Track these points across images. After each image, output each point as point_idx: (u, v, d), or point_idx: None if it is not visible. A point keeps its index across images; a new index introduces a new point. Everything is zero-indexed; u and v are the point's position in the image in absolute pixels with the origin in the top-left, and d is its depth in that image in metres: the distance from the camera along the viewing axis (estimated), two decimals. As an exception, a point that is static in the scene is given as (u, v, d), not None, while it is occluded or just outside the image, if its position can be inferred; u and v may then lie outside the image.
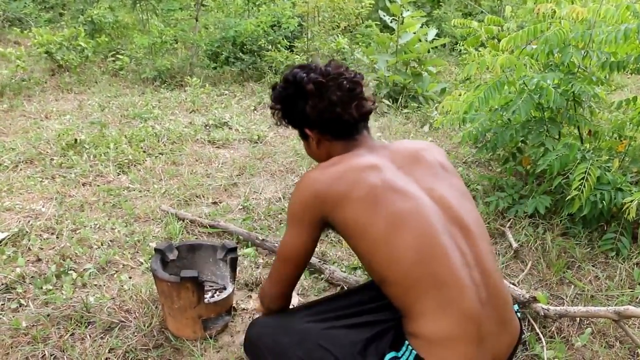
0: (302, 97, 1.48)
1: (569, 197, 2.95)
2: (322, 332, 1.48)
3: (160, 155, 4.26)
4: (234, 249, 2.30)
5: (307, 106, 1.47)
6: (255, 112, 5.72)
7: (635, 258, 2.84)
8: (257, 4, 7.93)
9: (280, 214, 3.34)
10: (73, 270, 2.63)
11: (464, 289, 1.30)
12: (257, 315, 2.22)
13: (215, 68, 7.21)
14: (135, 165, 4.04)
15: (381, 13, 6.95)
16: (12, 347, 2.10)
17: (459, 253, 1.33)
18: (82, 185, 3.67)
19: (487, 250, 1.40)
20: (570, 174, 3.01)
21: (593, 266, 2.83)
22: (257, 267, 2.74)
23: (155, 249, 2.27)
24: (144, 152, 4.30)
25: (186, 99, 5.98)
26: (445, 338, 1.28)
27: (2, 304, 2.37)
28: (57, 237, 2.95)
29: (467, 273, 1.32)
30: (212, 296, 2.33)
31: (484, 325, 1.30)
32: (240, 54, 7.13)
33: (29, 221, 3.09)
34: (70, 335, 2.19)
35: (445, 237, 1.33)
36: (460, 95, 3.73)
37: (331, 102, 1.45)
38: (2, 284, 2.47)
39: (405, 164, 1.45)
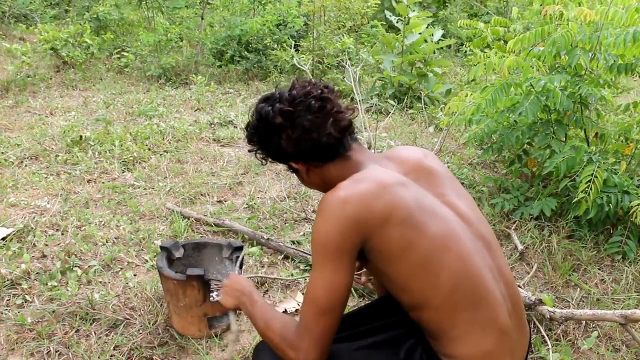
0: (274, 132, 1.34)
1: (575, 199, 2.94)
2: (354, 352, 1.39)
3: (165, 153, 4.27)
4: (239, 248, 2.30)
5: (282, 140, 1.34)
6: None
7: (642, 262, 2.84)
8: (262, 2, 7.93)
9: (286, 213, 3.34)
10: (78, 267, 2.64)
11: (497, 305, 1.28)
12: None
13: (220, 66, 7.22)
14: (140, 163, 4.04)
15: (387, 13, 6.95)
16: (17, 343, 2.11)
17: (488, 269, 1.31)
18: (87, 182, 3.67)
19: (505, 260, 1.39)
20: (577, 176, 3.00)
21: (599, 269, 2.82)
22: (263, 266, 2.74)
23: (161, 247, 2.27)
24: (149, 149, 4.30)
25: (191, 97, 5.99)
26: (485, 356, 1.26)
27: (7, 300, 2.37)
28: (62, 234, 2.95)
29: (497, 288, 1.30)
30: (218, 294, 2.32)
31: (512, 336, 1.31)
32: (246, 52, 7.13)
33: (34, 217, 3.09)
34: (75, 331, 2.19)
35: (477, 256, 1.30)
36: (466, 96, 3.72)
37: (304, 129, 1.32)
38: (8, 280, 2.48)
39: (419, 176, 1.37)
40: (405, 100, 6.00)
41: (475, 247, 1.31)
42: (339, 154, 1.37)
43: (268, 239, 2.90)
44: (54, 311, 2.28)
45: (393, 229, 1.23)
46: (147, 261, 2.75)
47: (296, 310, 2.41)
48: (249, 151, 1.46)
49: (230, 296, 1.56)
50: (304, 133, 1.32)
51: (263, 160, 1.46)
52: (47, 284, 2.48)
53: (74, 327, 2.20)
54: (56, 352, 2.07)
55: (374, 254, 1.26)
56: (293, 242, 2.97)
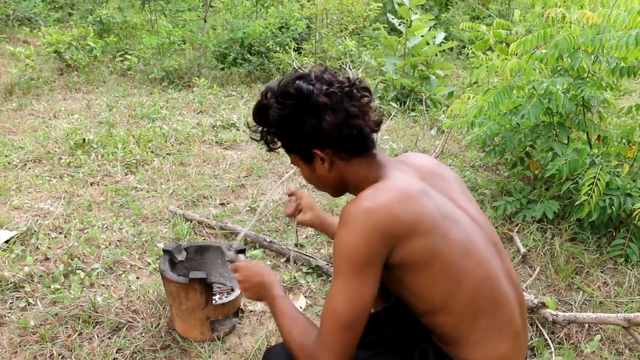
0: (312, 113, 1.25)
1: (577, 202, 2.94)
2: (371, 358, 1.37)
3: (168, 156, 4.27)
4: (242, 251, 2.29)
5: (323, 122, 1.24)
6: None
7: (645, 264, 2.83)
8: (265, 5, 7.96)
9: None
10: (81, 269, 2.64)
11: (512, 308, 1.30)
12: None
13: (222, 69, 7.23)
14: (143, 166, 4.05)
15: (389, 16, 6.95)
16: (20, 346, 2.11)
17: (501, 273, 1.32)
18: (90, 184, 3.68)
19: (511, 263, 1.39)
20: (579, 179, 3.00)
21: (602, 272, 2.82)
22: (265, 269, 2.74)
23: (164, 250, 2.28)
24: (152, 152, 4.31)
25: (194, 99, 6.00)
26: (502, 358, 1.27)
27: (10, 303, 2.37)
28: (65, 237, 2.95)
29: (509, 291, 1.31)
30: (220, 298, 2.33)
31: (523, 337, 1.33)
32: (248, 55, 7.14)
33: (37, 220, 3.10)
34: (78, 334, 2.19)
35: (493, 260, 1.30)
36: (468, 98, 3.72)
37: (349, 114, 1.25)
38: (11, 283, 2.48)
39: (434, 181, 1.34)
40: (408, 102, 6.00)
41: (489, 251, 1.31)
42: (368, 149, 1.31)
43: (270, 241, 2.90)
44: (56, 314, 2.28)
45: (419, 239, 1.20)
46: (149, 264, 2.75)
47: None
48: (262, 133, 1.33)
49: (250, 291, 1.46)
50: (348, 118, 1.25)
51: (271, 145, 1.35)
52: (50, 287, 2.48)
53: (76, 330, 2.21)
54: (59, 355, 2.07)
55: (397, 263, 1.23)
56: (296, 245, 2.97)
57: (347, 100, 1.26)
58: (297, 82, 1.27)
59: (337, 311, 1.19)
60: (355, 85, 1.28)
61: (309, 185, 1.43)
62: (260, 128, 1.34)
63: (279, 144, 1.36)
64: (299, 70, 1.37)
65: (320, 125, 1.25)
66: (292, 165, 1.41)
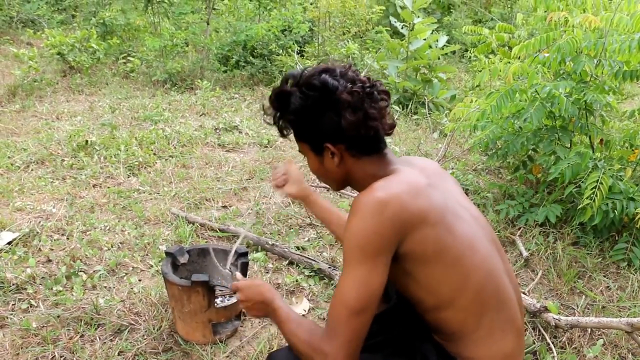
0: (333, 108, 1.27)
1: (580, 206, 2.93)
2: None
3: (171, 158, 4.28)
4: (244, 254, 2.30)
5: (342, 119, 1.26)
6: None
7: (647, 269, 2.82)
8: (268, 8, 7.97)
9: (290, 219, 3.34)
10: (83, 271, 2.64)
11: (515, 306, 1.32)
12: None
13: (225, 71, 7.24)
14: (145, 168, 4.06)
15: (392, 19, 6.96)
16: (22, 348, 2.11)
17: (503, 271, 1.34)
18: (93, 186, 3.68)
19: (510, 265, 1.41)
20: (582, 182, 3.00)
21: (604, 276, 2.81)
22: (267, 272, 2.74)
23: (166, 253, 2.28)
24: (154, 154, 4.31)
25: (196, 102, 6.01)
26: (505, 357, 1.29)
27: (12, 304, 2.37)
28: (68, 238, 2.96)
29: (511, 290, 1.33)
30: (223, 301, 2.33)
31: (523, 338, 1.35)
32: (251, 57, 7.16)
33: (39, 222, 3.10)
34: (80, 337, 2.19)
35: (496, 258, 1.33)
36: (471, 102, 3.72)
37: (367, 115, 1.27)
38: (13, 284, 2.48)
39: (437, 181, 1.35)
40: (410, 105, 6.01)
41: (492, 250, 1.33)
42: (380, 149, 1.34)
43: (273, 244, 2.90)
44: (58, 316, 2.28)
45: (428, 230, 1.22)
46: (152, 266, 2.75)
47: (304, 316, 2.41)
48: (279, 118, 1.35)
49: (254, 310, 1.46)
50: (367, 119, 1.27)
51: (285, 131, 1.38)
52: (52, 289, 2.48)
53: (78, 332, 2.21)
54: (61, 357, 2.07)
55: (406, 254, 1.23)
56: (298, 248, 2.97)
57: (367, 101, 1.27)
58: (323, 75, 1.29)
59: (345, 298, 1.20)
60: (375, 87, 1.31)
61: (313, 175, 1.44)
62: (276, 113, 1.35)
63: (294, 131, 1.37)
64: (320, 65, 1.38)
65: (338, 122, 1.27)
66: (299, 152, 1.42)
